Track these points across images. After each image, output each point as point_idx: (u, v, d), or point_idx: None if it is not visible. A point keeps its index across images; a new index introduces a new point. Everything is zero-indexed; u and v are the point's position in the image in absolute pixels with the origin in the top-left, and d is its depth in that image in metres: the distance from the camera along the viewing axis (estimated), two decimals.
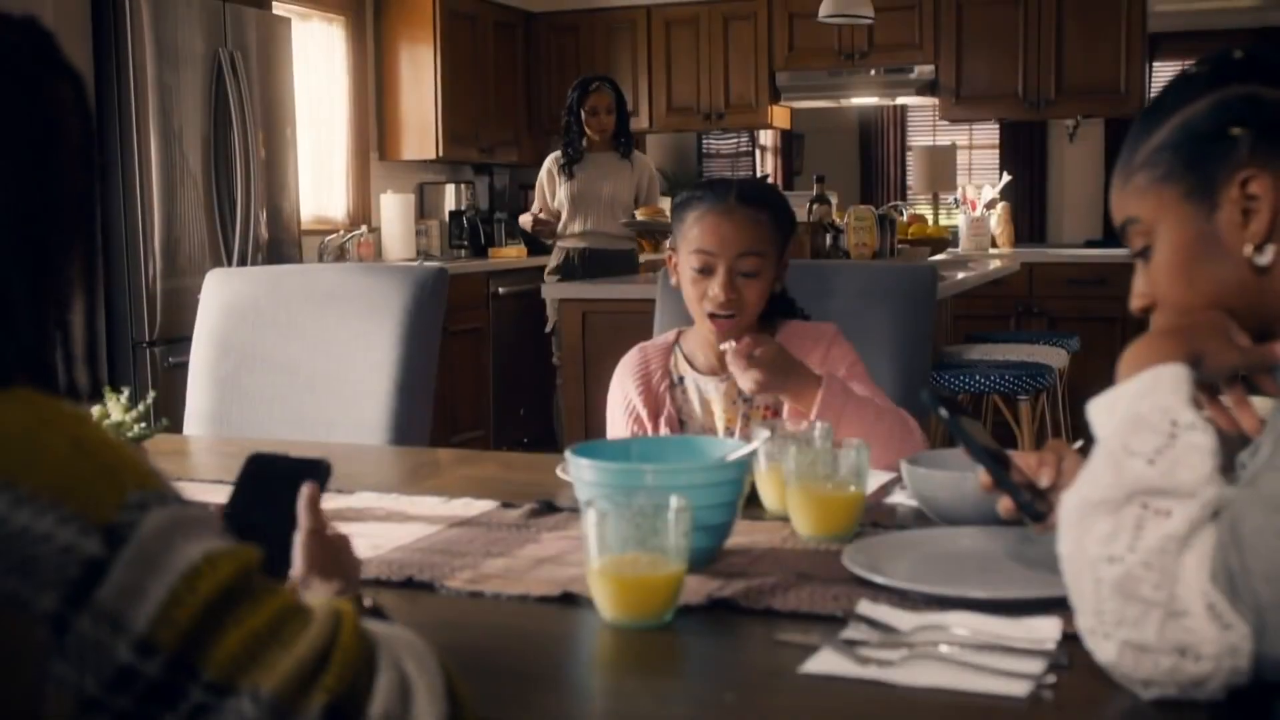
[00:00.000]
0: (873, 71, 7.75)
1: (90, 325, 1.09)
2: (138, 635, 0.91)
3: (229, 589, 0.94)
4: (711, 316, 2.25)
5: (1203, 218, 1.27)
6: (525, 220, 6.41)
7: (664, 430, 2.32)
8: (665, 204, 6.05)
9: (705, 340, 2.34)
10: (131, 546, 0.92)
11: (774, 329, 2.34)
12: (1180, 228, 1.29)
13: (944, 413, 1.53)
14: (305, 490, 1.34)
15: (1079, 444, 1.93)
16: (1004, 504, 1.51)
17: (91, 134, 1.09)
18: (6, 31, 1.04)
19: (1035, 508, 1.48)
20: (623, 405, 2.37)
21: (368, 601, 1.21)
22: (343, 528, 1.77)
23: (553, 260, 6.40)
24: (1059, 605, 1.27)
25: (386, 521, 1.86)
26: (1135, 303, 1.36)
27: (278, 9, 6.07)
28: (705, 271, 2.25)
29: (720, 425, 2.32)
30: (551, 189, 6.33)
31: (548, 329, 6.12)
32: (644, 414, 2.34)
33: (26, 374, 0.99)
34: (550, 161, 6.36)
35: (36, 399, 0.97)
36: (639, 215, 6.15)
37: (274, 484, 1.39)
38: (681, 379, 2.36)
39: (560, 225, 6.30)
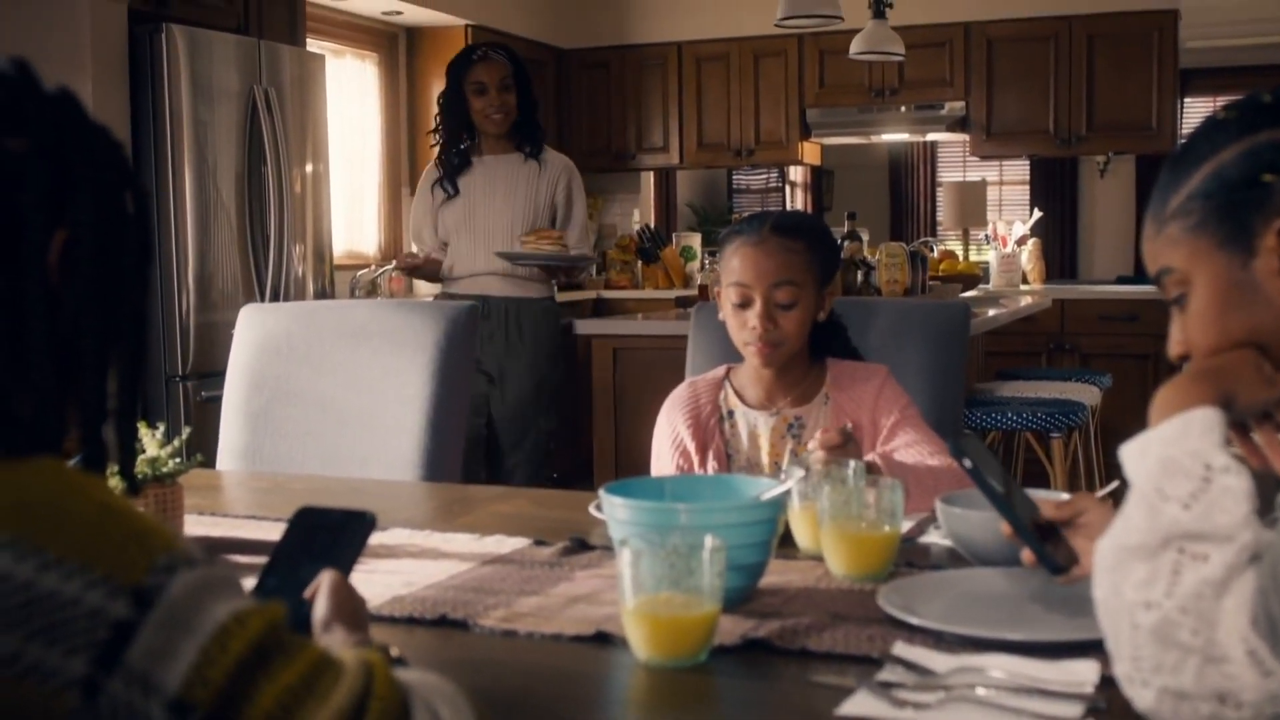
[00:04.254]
0: (903, 108, 7.76)
1: (129, 396, 1.10)
2: (171, 695, 0.91)
3: (260, 645, 0.94)
4: (752, 344, 2.29)
5: (1238, 266, 1.26)
6: (402, 263, 4.89)
7: (711, 464, 2.33)
8: (580, 227, 4.80)
9: (754, 374, 2.35)
10: (160, 608, 0.92)
11: (823, 367, 2.36)
12: (1216, 277, 1.28)
13: (967, 463, 1.53)
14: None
15: (1110, 488, 1.92)
16: (1025, 554, 1.51)
17: (149, 244, 1.11)
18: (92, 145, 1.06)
19: (1055, 560, 1.48)
20: (670, 439, 2.37)
21: (395, 651, 1.22)
22: (376, 564, 1.79)
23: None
24: (1096, 648, 1.26)
25: (419, 558, 1.86)
26: (1173, 350, 1.35)
27: (312, 46, 6.11)
28: (744, 305, 2.28)
29: (766, 459, 2.33)
30: (430, 217, 4.72)
31: None
32: (691, 448, 2.35)
33: (53, 445, 1.01)
34: (426, 178, 4.73)
35: (63, 468, 0.98)
36: (524, 241, 4.54)
37: (318, 535, 1.41)
38: (731, 413, 2.37)
39: (446, 266, 4.67)
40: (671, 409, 2.40)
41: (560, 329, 4.69)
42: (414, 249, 4.88)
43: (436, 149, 4.63)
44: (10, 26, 4.65)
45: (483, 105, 4.48)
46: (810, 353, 2.36)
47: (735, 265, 2.30)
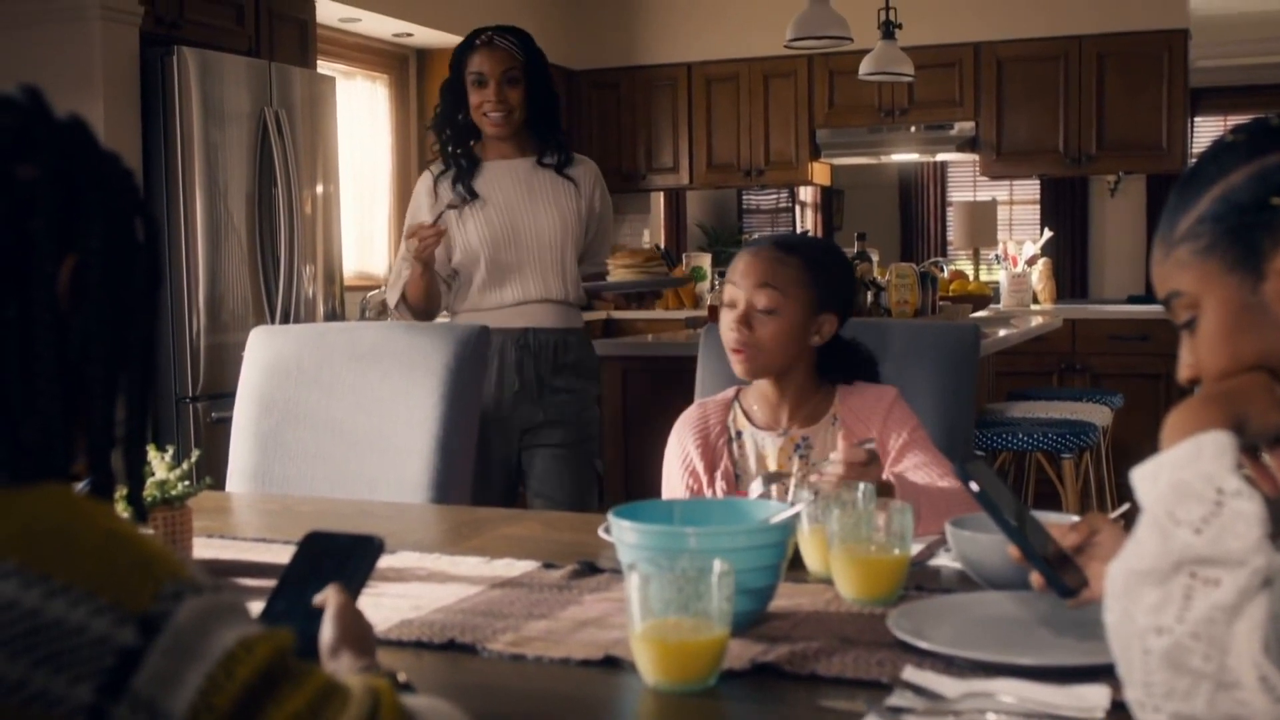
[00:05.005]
0: (913, 128, 7.77)
1: (138, 423, 1.10)
2: None
3: (267, 672, 0.94)
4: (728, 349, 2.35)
5: (1248, 290, 1.26)
6: (389, 296, 3.65)
7: (720, 484, 2.34)
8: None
9: (761, 395, 2.38)
10: (167, 635, 0.92)
11: (833, 389, 2.38)
12: (1226, 300, 1.28)
13: (974, 487, 1.52)
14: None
15: (1121, 510, 1.92)
16: (1034, 578, 1.51)
17: (158, 271, 1.11)
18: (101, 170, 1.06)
19: (1064, 583, 1.48)
20: (680, 460, 2.39)
21: (402, 678, 1.21)
22: (385, 588, 1.79)
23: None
24: (1107, 672, 1.25)
25: (428, 581, 1.86)
26: (1183, 373, 1.35)
27: (322, 68, 6.14)
28: (730, 305, 2.34)
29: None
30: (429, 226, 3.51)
31: None
32: (700, 468, 2.37)
33: (61, 471, 1.01)
34: (426, 182, 3.68)
35: (69, 494, 0.98)
36: (614, 269, 3.97)
37: (326, 560, 1.41)
38: (739, 434, 2.39)
39: (450, 291, 3.64)
40: (681, 430, 2.42)
41: (592, 363, 3.82)
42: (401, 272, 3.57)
43: (440, 146, 3.69)
44: (22, 48, 4.67)
45: (480, 100, 3.56)
46: (819, 375, 2.37)
47: (731, 267, 2.39)
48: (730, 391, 2.44)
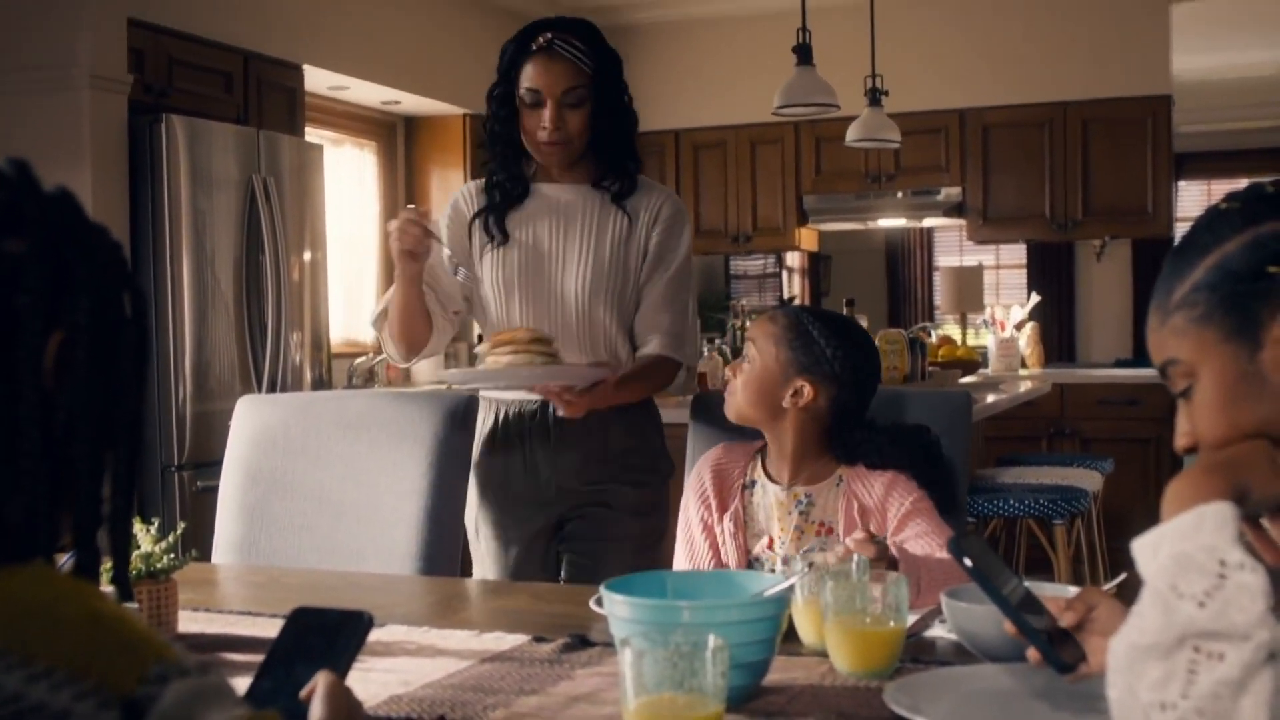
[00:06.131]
0: (900, 194, 7.80)
1: (124, 500, 1.08)
2: None
3: None
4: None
5: (1245, 358, 1.25)
6: (374, 309, 2.89)
7: (728, 524, 2.41)
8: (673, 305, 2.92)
9: (775, 452, 2.44)
10: (153, 718, 0.90)
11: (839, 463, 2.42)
12: (1223, 369, 1.27)
13: (967, 563, 1.51)
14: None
15: (1116, 581, 1.90)
16: (1031, 653, 1.49)
17: (146, 347, 1.10)
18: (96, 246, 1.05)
19: (1061, 659, 1.46)
20: (696, 490, 2.49)
21: None
22: (373, 662, 1.76)
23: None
24: None
25: (417, 656, 1.83)
26: (1180, 442, 1.33)
27: (311, 135, 6.16)
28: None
29: (776, 531, 2.40)
30: (461, 252, 2.89)
31: None
32: (714, 502, 2.45)
33: (45, 551, 0.99)
34: (465, 198, 2.94)
35: (54, 574, 0.96)
36: (487, 352, 2.66)
37: (315, 636, 1.39)
38: (754, 482, 2.46)
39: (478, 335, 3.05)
40: (703, 464, 2.52)
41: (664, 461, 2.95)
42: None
43: (489, 162, 2.90)
44: (11, 116, 4.68)
45: (533, 123, 2.76)
46: (827, 446, 2.41)
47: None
48: (758, 443, 2.50)
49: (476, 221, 2.86)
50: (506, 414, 2.85)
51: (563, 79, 2.73)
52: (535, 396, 2.78)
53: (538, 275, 2.80)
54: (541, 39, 2.74)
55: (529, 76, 2.74)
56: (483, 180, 2.92)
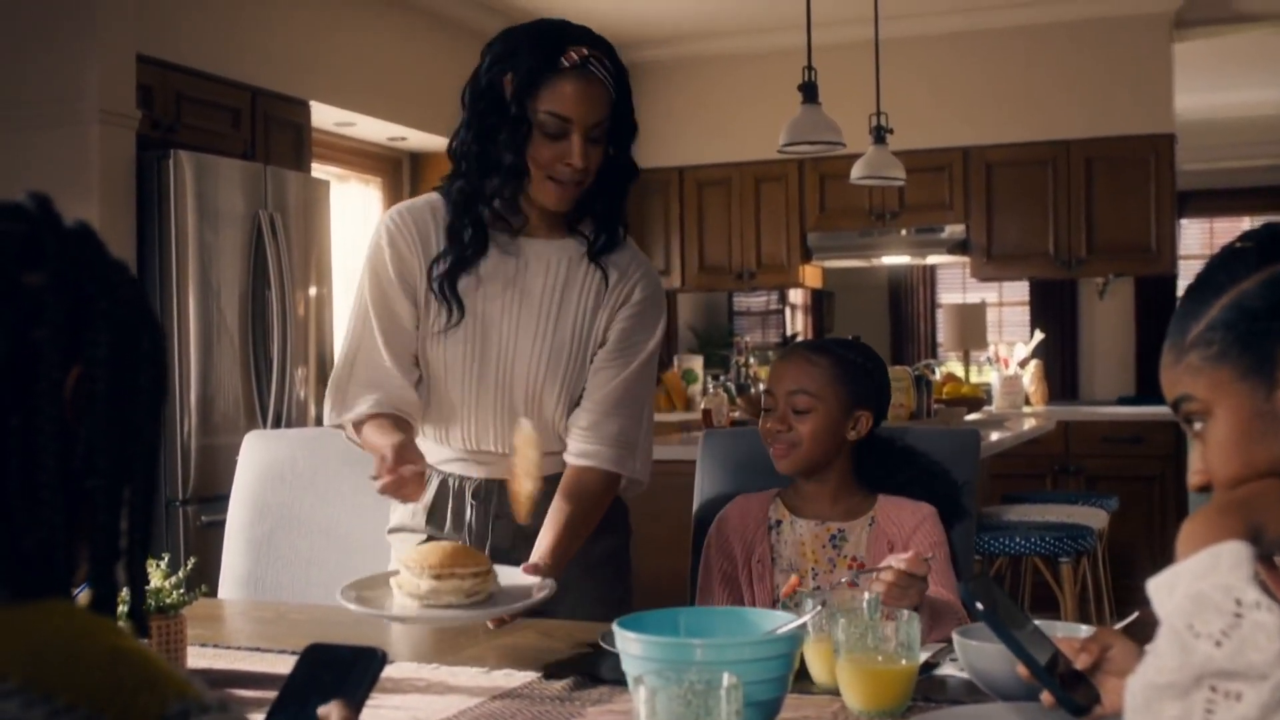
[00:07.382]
0: (904, 231, 7.82)
1: (141, 535, 1.08)
2: None
3: None
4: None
5: (1261, 397, 1.25)
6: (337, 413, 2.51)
7: (755, 567, 2.43)
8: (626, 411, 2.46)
9: (801, 490, 2.47)
10: None
11: (873, 494, 2.45)
12: (1238, 407, 1.27)
13: (979, 606, 1.51)
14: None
15: (1128, 620, 1.89)
16: (1045, 696, 1.49)
17: (164, 382, 1.10)
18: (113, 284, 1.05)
19: (1075, 701, 1.46)
20: (717, 544, 2.49)
21: None
22: (383, 699, 1.75)
23: (397, 508, 2.50)
24: None
25: (427, 693, 1.82)
26: (1193, 480, 1.33)
27: (317, 171, 6.18)
28: (768, 409, 2.47)
29: (808, 566, 2.41)
30: (411, 312, 2.45)
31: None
32: (737, 554, 2.46)
33: (63, 586, 0.99)
34: (405, 237, 2.46)
35: (74, 610, 0.96)
36: (420, 580, 1.98)
37: (327, 672, 1.38)
38: (779, 523, 2.47)
39: (421, 417, 2.43)
40: (721, 520, 2.51)
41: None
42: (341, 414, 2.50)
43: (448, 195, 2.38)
44: (20, 151, 4.69)
45: (550, 156, 2.25)
46: (857, 475, 2.46)
47: (768, 375, 2.56)
48: (772, 490, 2.53)
49: (431, 283, 2.37)
50: (449, 485, 2.44)
51: (597, 108, 2.24)
52: (487, 475, 2.40)
53: (483, 358, 2.35)
54: (575, 54, 2.23)
55: (556, 99, 2.22)
56: (417, 207, 2.44)
